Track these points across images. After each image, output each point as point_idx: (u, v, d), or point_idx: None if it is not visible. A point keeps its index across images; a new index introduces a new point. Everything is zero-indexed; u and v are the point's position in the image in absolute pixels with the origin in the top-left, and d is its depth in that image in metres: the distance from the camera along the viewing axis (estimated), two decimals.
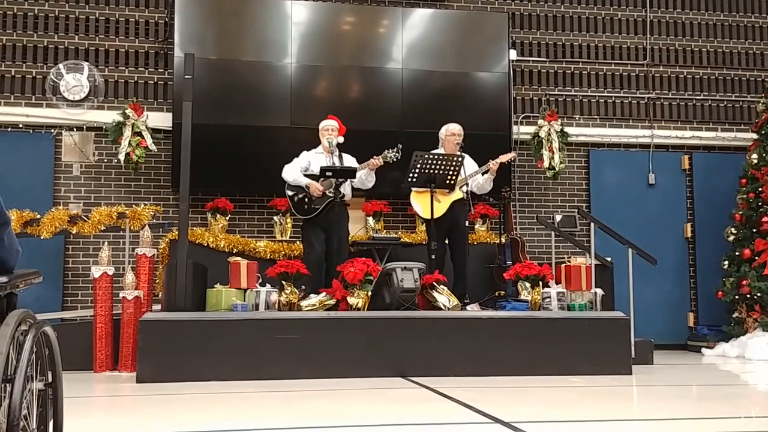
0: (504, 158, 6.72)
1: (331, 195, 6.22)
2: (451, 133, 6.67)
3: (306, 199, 6.30)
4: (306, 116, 7.63)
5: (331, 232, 6.29)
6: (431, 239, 6.36)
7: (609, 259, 7.31)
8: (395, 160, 6.43)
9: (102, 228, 6.72)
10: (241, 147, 7.71)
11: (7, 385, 1.97)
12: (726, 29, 9.12)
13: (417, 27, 8.21)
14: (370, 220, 7.57)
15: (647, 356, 6.58)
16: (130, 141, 7.42)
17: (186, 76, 5.96)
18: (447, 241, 6.62)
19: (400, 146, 6.41)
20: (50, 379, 2.28)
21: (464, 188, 6.43)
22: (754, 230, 7.94)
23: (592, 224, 6.96)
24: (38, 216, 6.64)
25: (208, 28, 7.93)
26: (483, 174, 6.68)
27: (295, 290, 5.86)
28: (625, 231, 7.03)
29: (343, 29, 8.24)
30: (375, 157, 6.40)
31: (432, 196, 6.27)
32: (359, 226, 7.45)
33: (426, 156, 6.25)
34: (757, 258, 7.82)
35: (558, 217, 8.33)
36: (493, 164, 6.60)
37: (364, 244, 7.04)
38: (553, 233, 7.82)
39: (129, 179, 7.82)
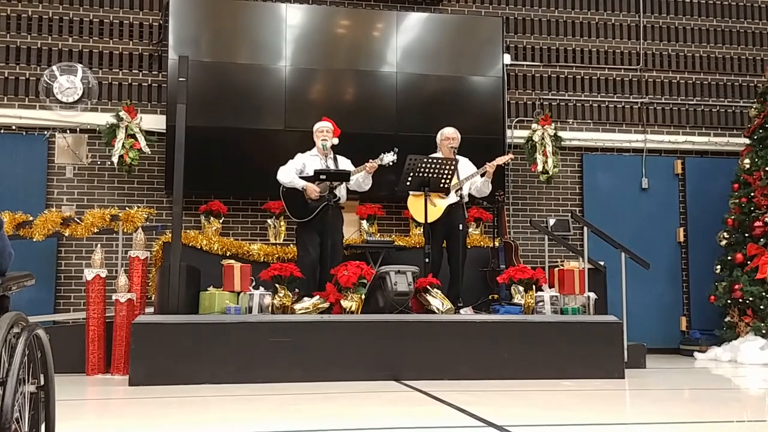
0: (500, 160, 6.75)
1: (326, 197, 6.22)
2: (446, 137, 6.72)
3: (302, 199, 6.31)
4: (300, 119, 7.62)
5: (325, 235, 6.27)
6: (427, 243, 6.36)
7: (602, 263, 7.32)
8: (392, 163, 6.44)
9: (95, 230, 6.68)
10: (235, 150, 7.69)
11: None
12: (719, 34, 9.16)
13: (412, 31, 8.21)
14: (364, 223, 7.58)
15: (640, 360, 6.60)
16: (123, 143, 7.40)
17: (180, 79, 5.95)
18: (445, 245, 6.63)
19: (396, 149, 6.42)
20: (42, 382, 2.27)
21: (459, 191, 6.44)
22: (747, 235, 7.97)
23: (586, 228, 6.98)
24: (31, 218, 6.60)
25: (203, 31, 7.92)
26: (481, 176, 6.70)
27: (289, 293, 5.86)
28: (618, 235, 7.05)
29: (338, 32, 8.24)
30: (371, 160, 6.41)
31: (426, 200, 6.28)
32: (353, 229, 7.45)
33: (420, 160, 6.26)
34: (749, 262, 7.85)
35: (551, 221, 8.34)
36: (490, 167, 6.63)
37: (358, 248, 7.04)
38: (546, 237, 7.83)
39: (122, 181, 7.81)
